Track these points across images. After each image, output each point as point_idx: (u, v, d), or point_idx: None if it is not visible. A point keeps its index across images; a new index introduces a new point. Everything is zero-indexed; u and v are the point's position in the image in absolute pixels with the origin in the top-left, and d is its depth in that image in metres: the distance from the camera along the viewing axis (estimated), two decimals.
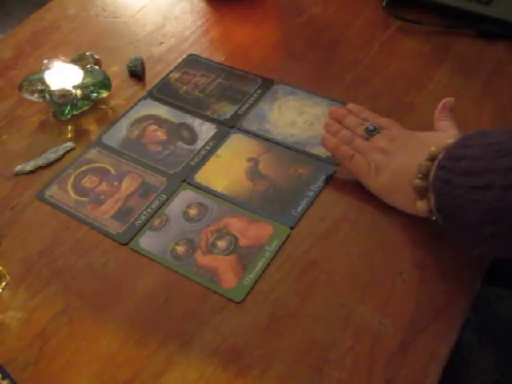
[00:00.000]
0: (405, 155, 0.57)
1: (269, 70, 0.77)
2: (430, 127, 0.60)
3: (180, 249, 0.59)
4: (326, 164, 0.65)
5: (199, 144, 0.69)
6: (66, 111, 0.72)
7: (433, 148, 0.53)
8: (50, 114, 0.74)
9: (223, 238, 0.59)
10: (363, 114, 0.64)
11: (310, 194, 0.62)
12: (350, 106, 0.66)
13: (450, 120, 0.60)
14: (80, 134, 0.72)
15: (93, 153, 0.69)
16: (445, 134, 0.57)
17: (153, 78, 0.78)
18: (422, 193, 0.53)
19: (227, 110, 0.72)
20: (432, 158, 0.53)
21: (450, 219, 0.51)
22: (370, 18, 0.83)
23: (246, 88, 0.75)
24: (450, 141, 0.52)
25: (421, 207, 0.54)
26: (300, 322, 0.53)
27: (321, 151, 0.66)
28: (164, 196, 0.64)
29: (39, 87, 0.72)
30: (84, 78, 0.72)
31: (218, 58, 0.80)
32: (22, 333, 0.54)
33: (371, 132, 0.61)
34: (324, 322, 0.52)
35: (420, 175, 0.53)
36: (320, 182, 0.63)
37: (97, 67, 0.74)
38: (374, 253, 0.57)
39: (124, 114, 0.74)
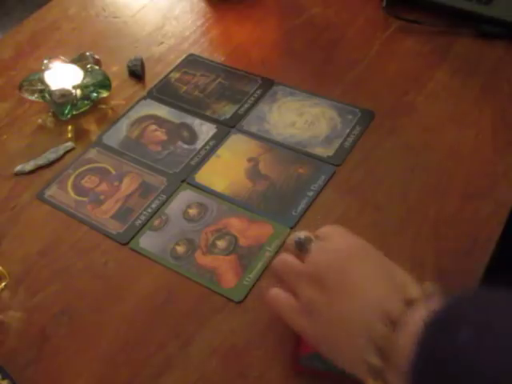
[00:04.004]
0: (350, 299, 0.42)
1: (269, 70, 0.77)
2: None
3: (180, 249, 0.59)
4: (325, 164, 0.65)
5: (199, 144, 0.69)
6: (66, 111, 0.72)
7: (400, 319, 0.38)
8: (50, 113, 0.74)
9: (223, 238, 0.59)
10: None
11: (310, 193, 0.62)
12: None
13: None
14: (80, 134, 0.72)
15: (93, 153, 0.69)
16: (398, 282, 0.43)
17: (153, 77, 0.78)
18: (376, 373, 0.38)
19: (227, 110, 0.72)
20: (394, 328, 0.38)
21: None
22: (370, 18, 0.83)
23: (245, 88, 0.75)
24: (423, 312, 0.38)
25: None
26: None
27: (321, 151, 0.66)
28: (164, 196, 0.64)
29: (39, 87, 0.72)
30: (84, 78, 0.72)
31: (218, 58, 0.80)
32: (22, 333, 0.54)
33: (302, 246, 0.46)
34: None
35: (376, 351, 0.38)
36: (320, 181, 0.63)
37: (97, 67, 0.75)
38: None
39: (124, 114, 0.73)
